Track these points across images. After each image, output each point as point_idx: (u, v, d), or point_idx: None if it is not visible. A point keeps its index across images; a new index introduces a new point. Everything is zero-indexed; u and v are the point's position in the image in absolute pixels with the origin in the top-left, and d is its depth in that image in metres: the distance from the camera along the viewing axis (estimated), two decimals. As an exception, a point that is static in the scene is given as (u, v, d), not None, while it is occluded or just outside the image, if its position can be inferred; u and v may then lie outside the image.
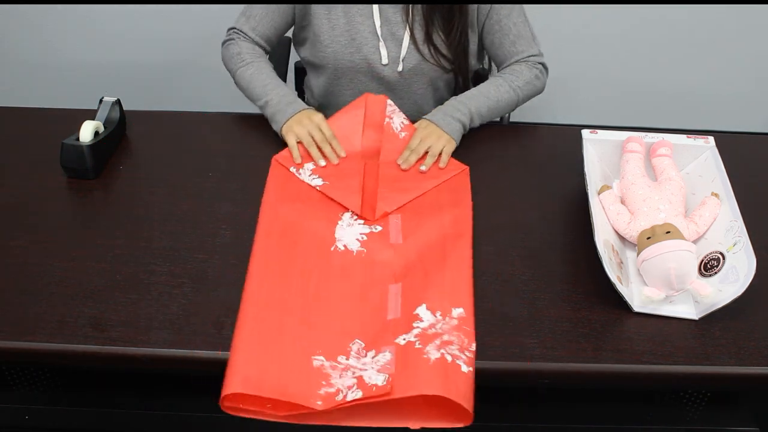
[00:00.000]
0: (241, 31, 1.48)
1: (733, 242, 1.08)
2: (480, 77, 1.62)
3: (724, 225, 1.12)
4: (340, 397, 0.92)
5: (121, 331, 1.00)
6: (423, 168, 1.30)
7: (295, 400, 0.92)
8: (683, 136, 1.28)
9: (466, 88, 1.49)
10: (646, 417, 1.18)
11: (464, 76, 1.52)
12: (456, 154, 1.35)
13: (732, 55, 2.38)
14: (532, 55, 1.49)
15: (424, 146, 1.33)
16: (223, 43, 1.51)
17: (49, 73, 2.42)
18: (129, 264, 1.11)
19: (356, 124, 1.38)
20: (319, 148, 1.33)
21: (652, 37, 2.34)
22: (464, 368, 0.94)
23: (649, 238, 1.09)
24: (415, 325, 1.00)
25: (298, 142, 1.33)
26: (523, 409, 1.18)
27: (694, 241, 1.13)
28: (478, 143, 1.41)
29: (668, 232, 1.08)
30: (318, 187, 1.26)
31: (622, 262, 1.13)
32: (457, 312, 1.02)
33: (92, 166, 1.27)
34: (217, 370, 0.96)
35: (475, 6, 1.44)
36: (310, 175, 1.29)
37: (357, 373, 0.95)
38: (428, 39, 1.43)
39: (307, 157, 1.32)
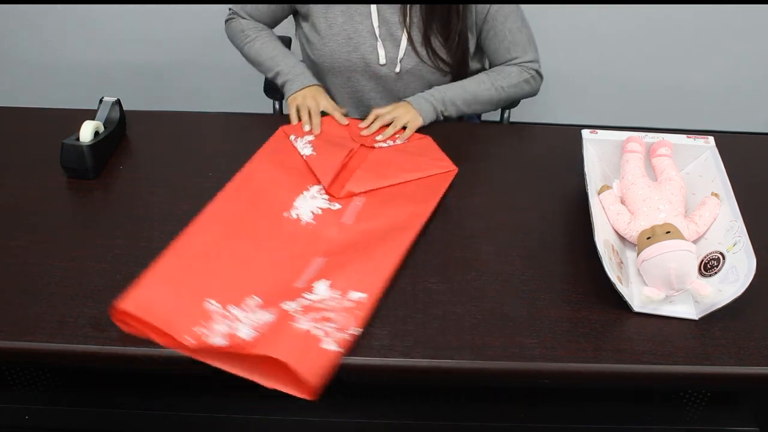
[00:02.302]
0: (237, 13, 1.54)
1: (733, 242, 1.08)
2: None
3: (724, 225, 1.12)
4: (210, 341, 0.97)
5: (121, 331, 1.00)
6: (379, 138, 1.37)
7: (171, 332, 0.97)
8: (683, 136, 1.28)
9: None
10: (646, 417, 1.18)
11: (462, 78, 1.52)
12: (456, 153, 1.35)
13: (732, 55, 2.39)
14: (526, 62, 1.50)
15: (391, 116, 1.40)
16: (226, 21, 1.57)
17: (49, 73, 2.43)
18: (129, 264, 1.11)
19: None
20: (311, 118, 1.40)
21: (652, 37, 2.35)
22: (330, 345, 0.95)
23: (649, 238, 1.09)
24: (305, 296, 1.03)
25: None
26: (523, 409, 1.18)
27: (694, 241, 1.13)
28: (478, 143, 1.41)
29: (668, 232, 1.08)
30: (305, 156, 1.31)
31: (622, 262, 1.13)
32: (357, 296, 1.03)
33: (92, 166, 1.27)
34: (217, 369, 0.96)
35: (473, 7, 1.44)
36: (304, 145, 1.34)
37: (234, 324, 0.99)
38: (426, 42, 1.43)
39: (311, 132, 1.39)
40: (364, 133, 1.39)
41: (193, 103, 2.41)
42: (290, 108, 1.43)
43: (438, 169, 1.31)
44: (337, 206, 1.22)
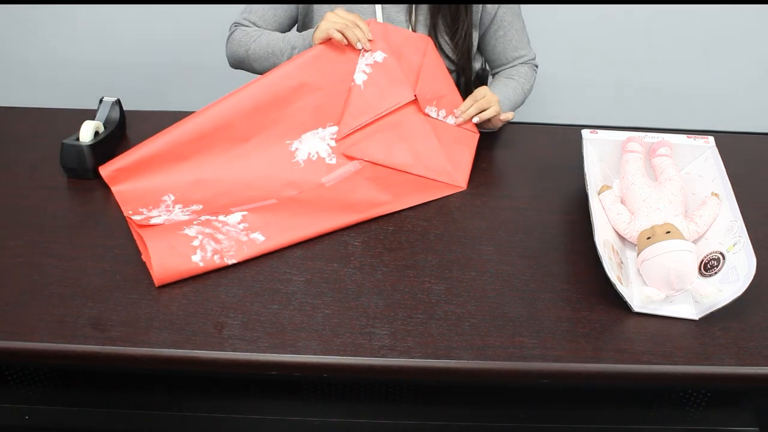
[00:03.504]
0: (241, 24, 1.49)
1: (733, 242, 1.08)
2: (479, 78, 1.62)
3: (724, 225, 1.12)
4: (133, 216, 1.14)
5: (121, 331, 1.00)
6: (457, 120, 1.34)
7: (120, 201, 1.17)
8: (683, 136, 1.28)
9: (468, 88, 1.49)
10: (646, 417, 1.18)
11: (467, 76, 1.53)
12: (456, 154, 1.35)
13: (732, 55, 2.38)
14: (530, 59, 1.56)
15: (484, 96, 1.35)
16: (227, 39, 1.50)
17: (49, 73, 2.42)
18: (129, 264, 1.11)
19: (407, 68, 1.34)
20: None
21: (652, 38, 2.34)
22: (195, 257, 1.06)
23: (649, 238, 1.09)
24: (218, 216, 1.13)
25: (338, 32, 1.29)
26: (523, 409, 1.18)
27: (694, 241, 1.13)
28: (478, 143, 1.41)
29: (668, 232, 1.08)
30: (353, 84, 1.28)
31: (622, 262, 1.13)
32: (256, 236, 1.11)
33: (92, 166, 1.27)
34: (218, 370, 0.96)
35: (479, 6, 1.44)
36: (366, 65, 1.29)
37: (162, 213, 1.15)
38: (432, 39, 1.43)
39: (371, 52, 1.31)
40: (458, 120, 1.34)
41: (193, 103, 2.41)
42: (331, 34, 1.27)
43: (447, 177, 1.29)
44: (332, 160, 1.24)
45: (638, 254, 1.10)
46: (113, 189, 1.20)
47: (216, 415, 1.17)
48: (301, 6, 1.46)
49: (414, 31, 1.43)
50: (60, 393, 1.16)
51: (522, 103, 1.54)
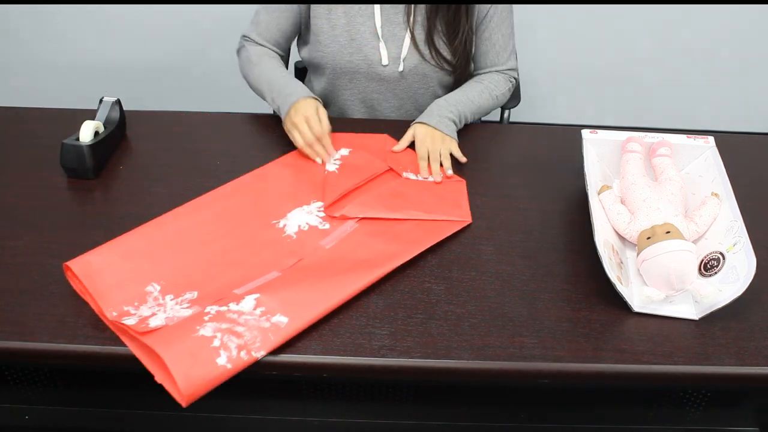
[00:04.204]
0: (249, 37, 1.49)
1: (733, 242, 1.08)
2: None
3: (724, 225, 1.12)
4: (123, 318, 0.99)
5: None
6: (435, 178, 1.30)
7: (100, 301, 1.01)
8: (683, 136, 1.28)
9: None
10: (646, 417, 1.18)
11: (465, 76, 1.52)
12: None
13: (732, 55, 2.38)
14: (509, 69, 1.53)
15: (433, 151, 1.33)
16: (237, 52, 1.52)
17: (49, 73, 2.43)
18: (129, 264, 1.11)
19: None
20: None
21: (652, 37, 2.35)
22: (221, 360, 0.93)
23: (649, 238, 1.09)
24: (228, 304, 1.00)
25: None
26: (523, 409, 1.18)
27: (694, 241, 1.13)
28: (478, 143, 1.41)
29: (668, 232, 1.08)
30: (326, 172, 1.30)
31: (622, 262, 1.13)
32: (278, 319, 0.99)
33: (92, 166, 1.27)
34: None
35: (477, 6, 1.44)
36: (335, 160, 1.33)
37: (156, 310, 1.01)
38: (429, 40, 1.43)
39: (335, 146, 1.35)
40: (436, 178, 1.30)
41: (193, 103, 2.41)
42: (290, 134, 1.34)
43: (450, 216, 1.22)
44: (325, 226, 1.18)
45: (638, 254, 1.10)
46: (88, 287, 1.03)
47: (216, 415, 1.17)
48: (302, 7, 1.46)
49: (412, 31, 1.43)
50: (60, 393, 1.16)
51: (491, 109, 1.49)
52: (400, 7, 1.43)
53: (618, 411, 1.20)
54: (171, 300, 1.03)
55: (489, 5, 1.44)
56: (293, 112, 1.33)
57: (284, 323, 0.98)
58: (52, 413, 1.18)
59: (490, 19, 1.45)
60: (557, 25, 2.30)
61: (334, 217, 1.20)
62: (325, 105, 1.59)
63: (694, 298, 1.07)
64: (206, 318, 0.98)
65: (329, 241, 1.16)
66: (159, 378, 0.93)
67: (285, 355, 0.98)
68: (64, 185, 1.27)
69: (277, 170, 1.30)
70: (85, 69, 2.40)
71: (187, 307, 1.01)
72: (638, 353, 1.00)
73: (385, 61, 1.46)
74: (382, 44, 1.44)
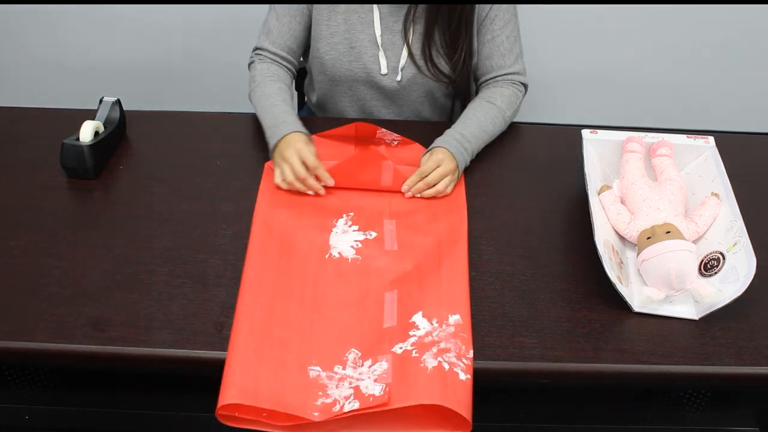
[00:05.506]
0: (262, 48, 1.45)
1: (733, 242, 1.08)
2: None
3: (724, 225, 1.12)
4: (337, 408, 0.92)
5: (121, 331, 1.00)
6: (427, 193, 1.27)
7: (292, 411, 0.92)
8: (683, 136, 1.28)
9: (466, 98, 1.49)
10: (645, 417, 1.18)
11: (463, 99, 1.50)
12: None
13: (732, 55, 2.38)
14: (516, 73, 1.46)
15: (437, 176, 1.25)
16: (248, 66, 1.48)
17: (49, 73, 2.42)
18: (129, 264, 1.11)
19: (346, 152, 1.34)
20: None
21: (652, 37, 2.34)
22: (462, 376, 0.94)
23: (649, 238, 1.09)
24: (411, 333, 1.00)
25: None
26: (523, 409, 1.18)
27: (694, 241, 1.13)
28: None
29: (668, 232, 1.08)
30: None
31: (622, 262, 1.13)
32: (454, 319, 1.02)
33: (92, 166, 1.27)
34: (217, 370, 0.96)
35: (476, 20, 1.41)
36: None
37: (354, 383, 0.95)
38: (426, 53, 1.40)
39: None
40: (408, 194, 1.26)
41: (193, 103, 2.41)
42: (275, 177, 1.26)
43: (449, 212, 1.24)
44: (372, 234, 1.17)
45: (638, 254, 1.10)
46: (261, 406, 0.93)
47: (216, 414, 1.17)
48: (309, 10, 1.44)
49: (409, 45, 1.40)
50: (60, 393, 1.16)
51: (502, 130, 1.43)
52: (400, 16, 1.41)
53: (618, 411, 1.20)
54: (344, 369, 0.97)
55: (489, 5, 1.41)
56: (284, 145, 1.26)
57: (462, 320, 1.02)
58: (52, 413, 1.18)
59: (492, 20, 1.41)
60: (557, 25, 2.30)
61: (369, 225, 1.19)
62: (323, 111, 1.58)
63: (694, 298, 1.07)
64: (414, 355, 0.96)
65: (391, 244, 1.16)
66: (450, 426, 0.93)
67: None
68: (64, 185, 1.27)
69: (272, 214, 1.20)
70: (85, 69, 2.40)
71: (373, 361, 0.98)
72: (638, 353, 1.00)
73: (384, 70, 1.44)
74: (381, 53, 1.43)
